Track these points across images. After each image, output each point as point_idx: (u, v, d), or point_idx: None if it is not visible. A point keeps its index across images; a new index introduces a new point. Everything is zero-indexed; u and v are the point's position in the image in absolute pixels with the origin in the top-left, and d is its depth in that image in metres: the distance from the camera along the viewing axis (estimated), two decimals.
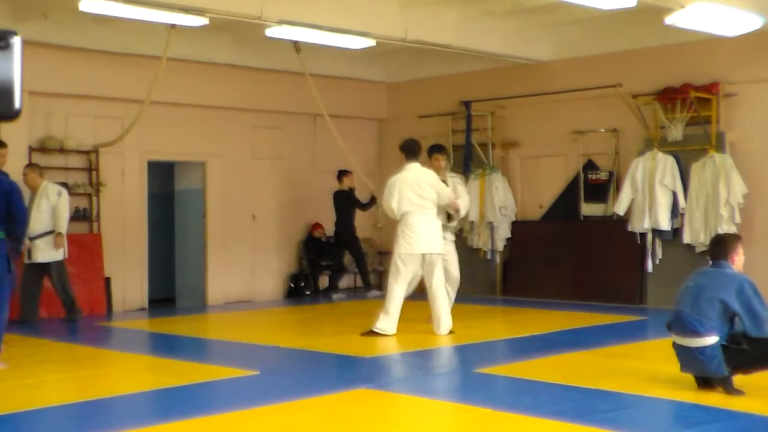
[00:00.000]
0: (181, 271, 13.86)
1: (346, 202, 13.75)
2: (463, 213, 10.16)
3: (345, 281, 14.80)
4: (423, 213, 9.32)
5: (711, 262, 6.40)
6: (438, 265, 9.44)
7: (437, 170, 9.73)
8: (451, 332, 9.35)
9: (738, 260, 6.35)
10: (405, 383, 7.17)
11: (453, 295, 10.04)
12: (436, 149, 10.07)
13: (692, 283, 6.32)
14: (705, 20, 9.88)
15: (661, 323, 6.94)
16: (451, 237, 10.13)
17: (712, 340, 6.08)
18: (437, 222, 9.50)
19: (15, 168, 11.41)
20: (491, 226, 13.58)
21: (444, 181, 9.71)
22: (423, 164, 9.61)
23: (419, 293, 9.96)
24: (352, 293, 14.64)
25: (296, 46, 11.42)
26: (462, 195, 9.98)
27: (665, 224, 11.74)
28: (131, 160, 12.60)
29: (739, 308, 6.03)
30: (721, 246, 6.40)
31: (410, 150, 9.56)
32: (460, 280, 10.26)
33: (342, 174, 13.77)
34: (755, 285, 6.12)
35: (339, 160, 14.83)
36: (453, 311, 9.58)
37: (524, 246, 13.55)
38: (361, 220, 15.16)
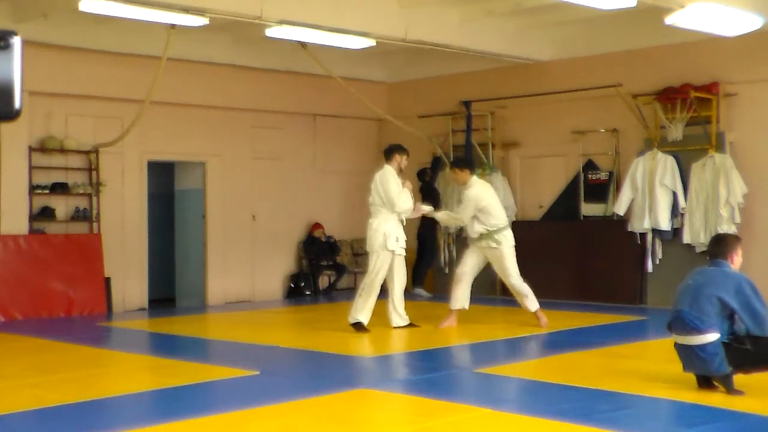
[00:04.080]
0: (181, 271, 13.86)
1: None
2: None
3: (345, 281, 14.80)
4: None
5: (710, 261, 6.39)
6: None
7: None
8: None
9: (737, 261, 6.34)
10: (405, 383, 7.16)
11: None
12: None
13: (691, 281, 6.31)
14: (705, 20, 9.87)
15: (661, 323, 6.93)
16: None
17: (712, 337, 6.07)
18: None
19: (14, 168, 11.44)
20: None
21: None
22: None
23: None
24: (351, 293, 14.61)
25: (303, 43, 11.41)
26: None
27: (665, 224, 11.73)
28: (131, 160, 12.60)
29: (738, 307, 6.02)
30: (720, 245, 6.38)
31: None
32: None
33: (423, 172, 13.88)
34: (754, 284, 6.12)
35: (339, 160, 14.86)
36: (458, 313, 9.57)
37: (524, 246, 13.43)
38: (356, 219, 15.17)
